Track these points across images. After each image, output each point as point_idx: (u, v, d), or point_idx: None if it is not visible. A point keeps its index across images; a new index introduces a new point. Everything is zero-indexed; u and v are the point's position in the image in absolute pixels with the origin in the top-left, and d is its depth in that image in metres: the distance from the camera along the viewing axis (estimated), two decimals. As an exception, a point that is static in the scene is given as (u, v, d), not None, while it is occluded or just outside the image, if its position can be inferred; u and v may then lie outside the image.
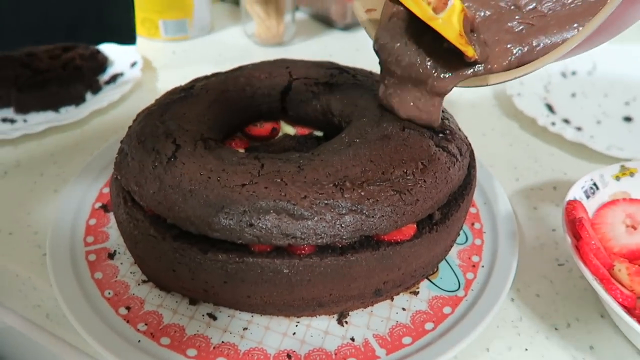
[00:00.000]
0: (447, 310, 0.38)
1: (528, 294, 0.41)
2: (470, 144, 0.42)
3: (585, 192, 0.42)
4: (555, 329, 0.38)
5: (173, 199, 0.34)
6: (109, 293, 0.38)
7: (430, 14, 0.31)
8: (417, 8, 0.31)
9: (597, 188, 0.43)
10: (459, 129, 0.42)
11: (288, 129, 0.48)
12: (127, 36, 0.39)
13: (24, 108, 0.60)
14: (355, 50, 0.83)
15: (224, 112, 0.43)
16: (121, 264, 0.40)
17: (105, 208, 0.45)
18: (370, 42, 0.39)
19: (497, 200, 0.47)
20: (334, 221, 0.32)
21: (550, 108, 0.65)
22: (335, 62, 0.50)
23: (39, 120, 0.59)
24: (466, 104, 0.69)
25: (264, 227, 0.32)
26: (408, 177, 0.34)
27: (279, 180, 0.33)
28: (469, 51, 0.32)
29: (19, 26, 0.35)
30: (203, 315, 0.37)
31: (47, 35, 0.37)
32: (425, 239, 0.35)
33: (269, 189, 0.33)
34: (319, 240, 0.32)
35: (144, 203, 0.35)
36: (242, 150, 0.43)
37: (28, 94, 0.60)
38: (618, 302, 0.34)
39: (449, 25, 0.32)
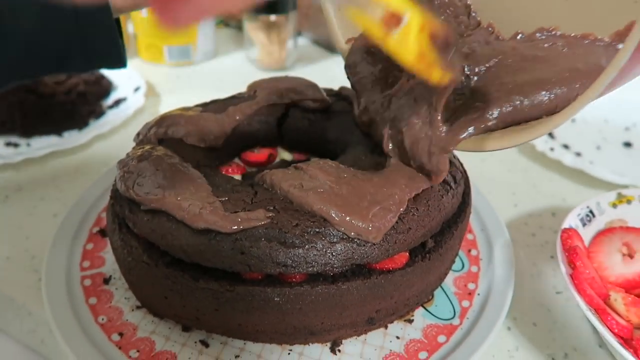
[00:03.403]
0: (441, 339, 0.37)
1: (525, 322, 0.41)
2: (465, 171, 0.42)
3: (582, 219, 0.42)
4: (552, 359, 0.38)
5: (166, 226, 0.34)
6: (103, 319, 0.38)
7: (382, 32, 0.27)
8: (368, 24, 0.27)
9: (594, 215, 0.43)
10: (454, 156, 0.42)
11: (285, 155, 0.48)
12: (117, 60, 0.40)
13: (28, 132, 0.61)
14: (357, 75, 0.84)
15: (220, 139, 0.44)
16: (116, 289, 0.40)
17: (102, 232, 0.46)
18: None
19: (494, 226, 0.47)
20: (325, 249, 0.32)
21: (549, 133, 0.65)
22: (333, 89, 0.50)
23: (42, 144, 0.60)
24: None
25: (255, 255, 0.32)
26: (400, 205, 0.34)
27: (272, 208, 0.33)
28: (433, 75, 0.28)
29: (7, 62, 0.35)
30: (195, 342, 0.36)
31: (37, 69, 0.38)
32: (418, 268, 0.35)
33: (261, 217, 0.33)
34: (310, 269, 0.32)
35: (137, 230, 0.35)
36: (237, 177, 0.43)
37: (32, 118, 0.61)
38: (613, 333, 0.33)
39: (403, 45, 0.27)
